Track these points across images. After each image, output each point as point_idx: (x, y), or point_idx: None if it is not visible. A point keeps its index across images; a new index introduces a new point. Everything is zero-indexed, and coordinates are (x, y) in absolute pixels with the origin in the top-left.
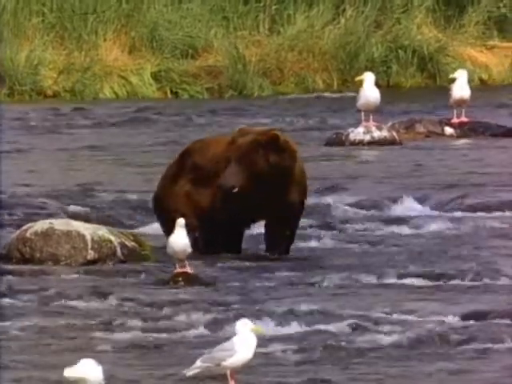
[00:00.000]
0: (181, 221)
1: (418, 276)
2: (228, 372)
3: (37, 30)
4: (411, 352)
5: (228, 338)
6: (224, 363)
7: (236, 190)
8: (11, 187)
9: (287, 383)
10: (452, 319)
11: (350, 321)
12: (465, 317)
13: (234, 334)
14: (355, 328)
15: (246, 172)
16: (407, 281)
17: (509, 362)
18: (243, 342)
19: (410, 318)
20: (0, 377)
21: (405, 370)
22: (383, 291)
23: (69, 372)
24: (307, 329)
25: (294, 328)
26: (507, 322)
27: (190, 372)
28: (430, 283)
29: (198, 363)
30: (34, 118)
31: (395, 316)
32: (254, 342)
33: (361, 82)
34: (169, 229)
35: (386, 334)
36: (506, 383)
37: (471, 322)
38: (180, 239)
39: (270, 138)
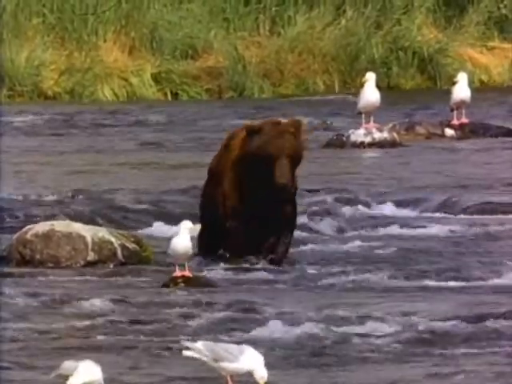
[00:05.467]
0: (186, 223)
1: (418, 277)
2: (228, 377)
3: (37, 30)
4: (412, 353)
5: (237, 343)
6: (221, 364)
7: None
8: (12, 189)
9: None
10: (453, 320)
11: (351, 322)
12: (465, 318)
13: (235, 335)
14: (356, 329)
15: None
16: (407, 282)
17: (509, 363)
18: (250, 357)
19: (411, 318)
20: (0, 378)
21: (406, 370)
22: (383, 292)
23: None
24: (307, 330)
25: (294, 329)
26: (508, 323)
27: (188, 352)
28: (430, 284)
29: (200, 345)
30: (35, 119)
31: (396, 317)
32: (260, 360)
33: (362, 84)
34: None
35: (386, 334)
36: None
37: (472, 322)
38: (182, 242)
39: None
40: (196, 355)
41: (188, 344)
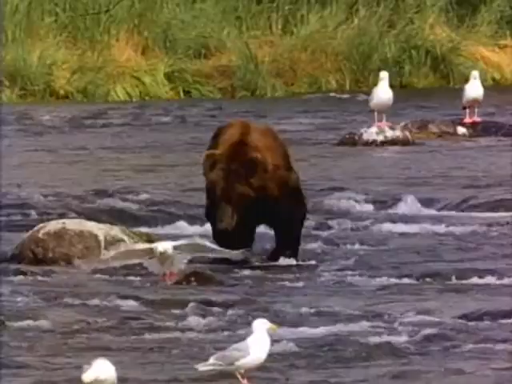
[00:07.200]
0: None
1: (423, 275)
2: (241, 372)
3: (49, 29)
4: (413, 352)
5: (242, 338)
6: (237, 363)
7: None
8: (24, 188)
9: (294, 383)
10: (454, 319)
11: (354, 321)
12: (467, 317)
13: (248, 333)
14: (358, 328)
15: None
16: (412, 280)
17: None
18: (257, 343)
19: (412, 318)
20: (1, 378)
21: (408, 370)
22: (386, 291)
23: (86, 377)
24: (313, 329)
25: (301, 328)
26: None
27: (203, 368)
28: (433, 283)
29: (212, 360)
30: (47, 118)
31: (398, 316)
32: (267, 343)
33: (375, 82)
34: None
35: (388, 334)
36: None
37: (474, 322)
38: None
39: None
40: (212, 368)
41: (201, 366)
